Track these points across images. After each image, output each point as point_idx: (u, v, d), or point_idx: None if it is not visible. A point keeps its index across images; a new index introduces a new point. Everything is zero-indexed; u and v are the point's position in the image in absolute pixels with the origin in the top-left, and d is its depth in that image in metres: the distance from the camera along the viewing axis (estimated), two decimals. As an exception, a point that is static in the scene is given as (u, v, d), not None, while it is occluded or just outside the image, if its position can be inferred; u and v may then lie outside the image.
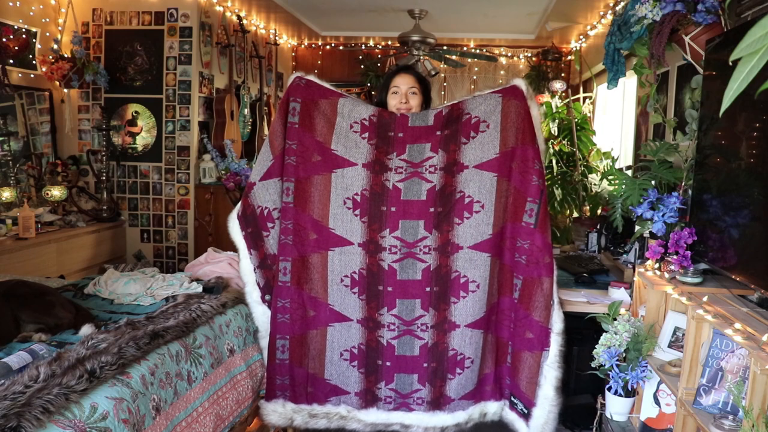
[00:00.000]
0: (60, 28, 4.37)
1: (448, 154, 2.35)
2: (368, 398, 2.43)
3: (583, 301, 2.71)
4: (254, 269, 2.50)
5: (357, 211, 2.36)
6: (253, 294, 2.51)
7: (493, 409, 2.47)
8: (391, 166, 2.36)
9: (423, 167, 2.35)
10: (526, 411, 2.37)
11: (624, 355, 2.36)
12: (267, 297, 2.49)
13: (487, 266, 2.36)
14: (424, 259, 2.35)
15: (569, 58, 6.58)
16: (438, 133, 2.38)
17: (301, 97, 2.42)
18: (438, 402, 2.41)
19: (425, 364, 2.40)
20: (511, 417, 2.46)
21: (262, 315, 2.51)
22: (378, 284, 2.37)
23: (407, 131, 2.38)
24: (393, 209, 2.34)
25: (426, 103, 2.61)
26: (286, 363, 2.44)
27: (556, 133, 5.44)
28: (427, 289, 2.36)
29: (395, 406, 2.43)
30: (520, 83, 2.42)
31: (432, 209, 2.35)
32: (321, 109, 2.42)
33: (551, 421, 2.35)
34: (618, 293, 2.75)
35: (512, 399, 2.44)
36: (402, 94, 2.52)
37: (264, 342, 2.51)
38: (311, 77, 2.48)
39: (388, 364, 2.41)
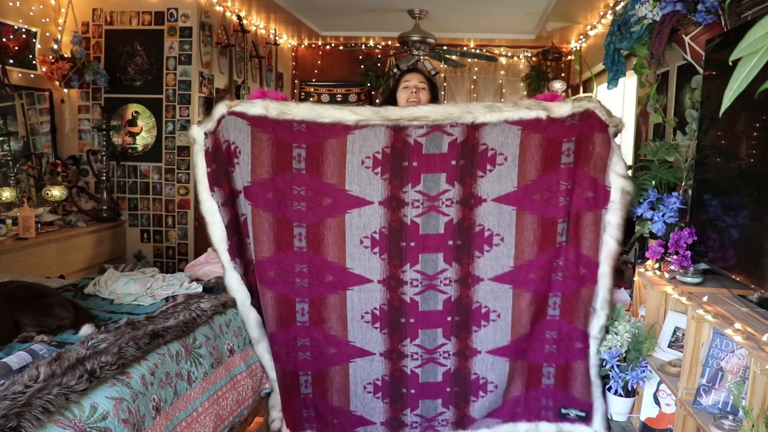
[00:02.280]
0: (60, 28, 4.36)
1: (465, 187, 2.33)
2: (394, 426, 2.49)
3: (583, 301, 2.71)
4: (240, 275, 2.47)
5: (376, 249, 2.36)
6: (246, 302, 2.46)
7: (524, 428, 2.51)
8: (407, 200, 2.34)
9: (439, 200, 2.34)
10: (583, 413, 2.44)
11: (624, 355, 2.36)
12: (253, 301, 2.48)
13: (508, 297, 2.38)
14: (444, 290, 2.38)
15: (569, 58, 6.58)
16: (453, 162, 2.32)
17: (306, 143, 2.32)
18: (462, 422, 2.48)
19: (448, 389, 2.46)
20: (566, 428, 2.49)
21: (253, 321, 2.47)
22: (400, 317, 2.41)
23: (421, 159, 2.33)
24: (412, 244, 2.36)
25: (433, 101, 2.71)
26: (309, 397, 2.49)
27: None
28: (449, 318, 2.40)
29: (421, 430, 2.49)
30: (558, 110, 2.27)
31: (450, 242, 2.36)
32: (329, 150, 2.33)
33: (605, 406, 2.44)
34: (618, 293, 2.75)
35: (561, 411, 2.48)
36: (412, 87, 2.68)
37: (258, 348, 2.48)
38: (248, 108, 2.31)
39: (412, 391, 2.46)
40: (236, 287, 2.45)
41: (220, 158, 2.36)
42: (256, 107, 2.30)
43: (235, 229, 2.43)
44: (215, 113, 2.36)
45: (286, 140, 2.32)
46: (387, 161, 2.33)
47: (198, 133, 2.36)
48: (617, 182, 2.26)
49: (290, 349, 2.46)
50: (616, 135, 2.31)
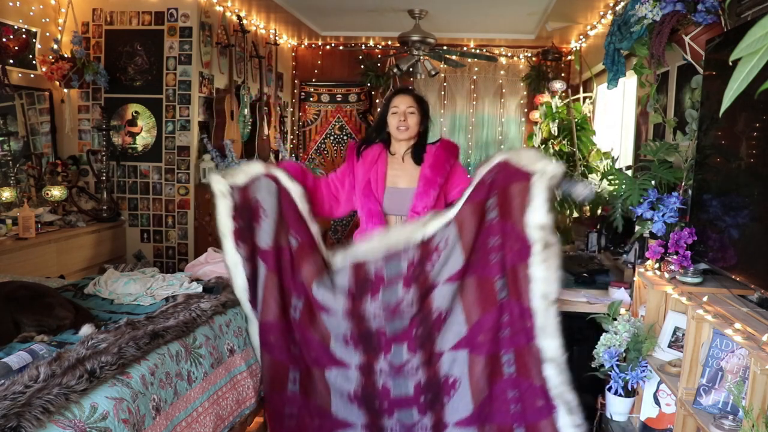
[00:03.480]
0: (60, 28, 4.36)
1: (419, 285, 2.38)
2: None
3: (583, 301, 2.72)
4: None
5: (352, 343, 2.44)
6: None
7: None
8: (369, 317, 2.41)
9: (402, 303, 2.39)
10: None
11: (624, 355, 2.36)
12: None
13: (465, 361, 2.34)
14: (414, 376, 2.40)
15: (569, 58, 6.58)
16: (408, 265, 2.41)
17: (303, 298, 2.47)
18: None
19: None
20: None
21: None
22: (374, 401, 2.43)
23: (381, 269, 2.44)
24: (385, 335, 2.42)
25: (424, 121, 2.70)
26: None
27: (556, 133, 5.44)
28: (421, 399, 2.40)
29: None
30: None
31: (414, 332, 2.38)
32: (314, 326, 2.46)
33: None
34: (618, 293, 2.75)
35: None
36: (401, 113, 2.64)
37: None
38: None
39: None
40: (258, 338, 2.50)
41: (247, 215, 2.46)
42: (289, 182, 2.53)
43: (254, 283, 2.48)
44: (250, 171, 2.51)
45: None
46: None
47: (223, 186, 2.47)
48: (535, 234, 2.16)
49: (279, 416, 2.48)
50: (552, 181, 2.17)
